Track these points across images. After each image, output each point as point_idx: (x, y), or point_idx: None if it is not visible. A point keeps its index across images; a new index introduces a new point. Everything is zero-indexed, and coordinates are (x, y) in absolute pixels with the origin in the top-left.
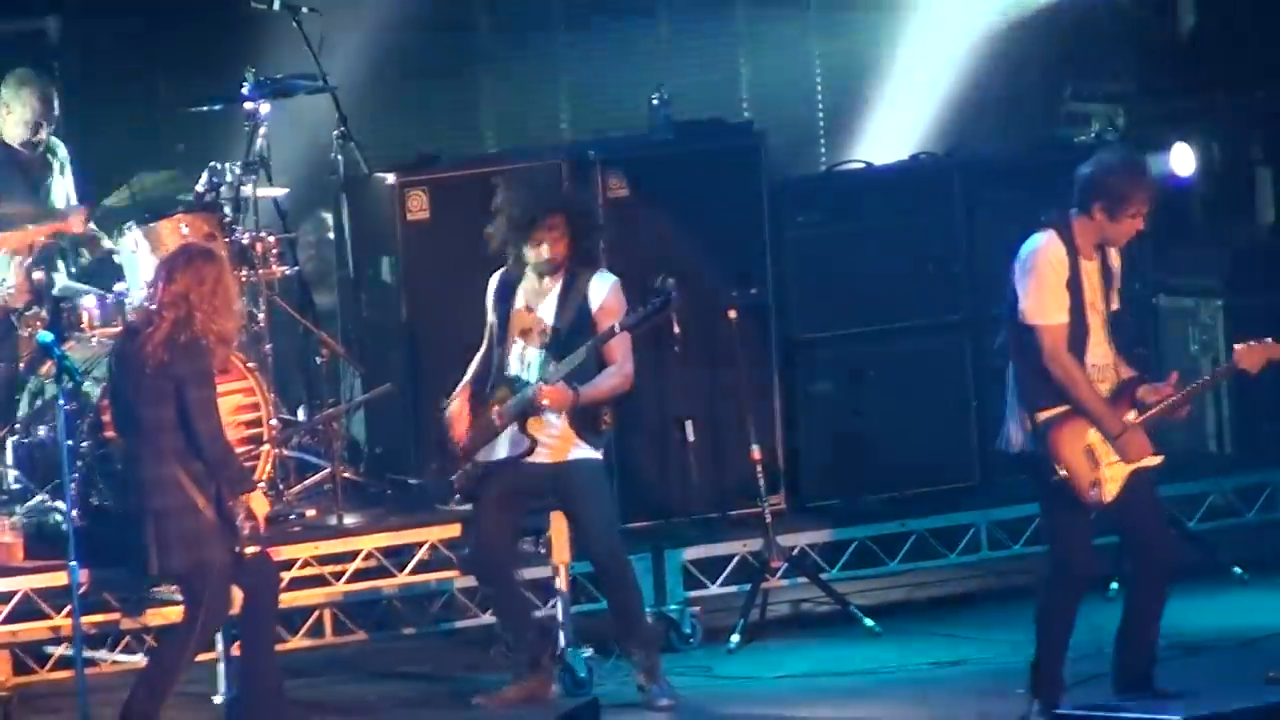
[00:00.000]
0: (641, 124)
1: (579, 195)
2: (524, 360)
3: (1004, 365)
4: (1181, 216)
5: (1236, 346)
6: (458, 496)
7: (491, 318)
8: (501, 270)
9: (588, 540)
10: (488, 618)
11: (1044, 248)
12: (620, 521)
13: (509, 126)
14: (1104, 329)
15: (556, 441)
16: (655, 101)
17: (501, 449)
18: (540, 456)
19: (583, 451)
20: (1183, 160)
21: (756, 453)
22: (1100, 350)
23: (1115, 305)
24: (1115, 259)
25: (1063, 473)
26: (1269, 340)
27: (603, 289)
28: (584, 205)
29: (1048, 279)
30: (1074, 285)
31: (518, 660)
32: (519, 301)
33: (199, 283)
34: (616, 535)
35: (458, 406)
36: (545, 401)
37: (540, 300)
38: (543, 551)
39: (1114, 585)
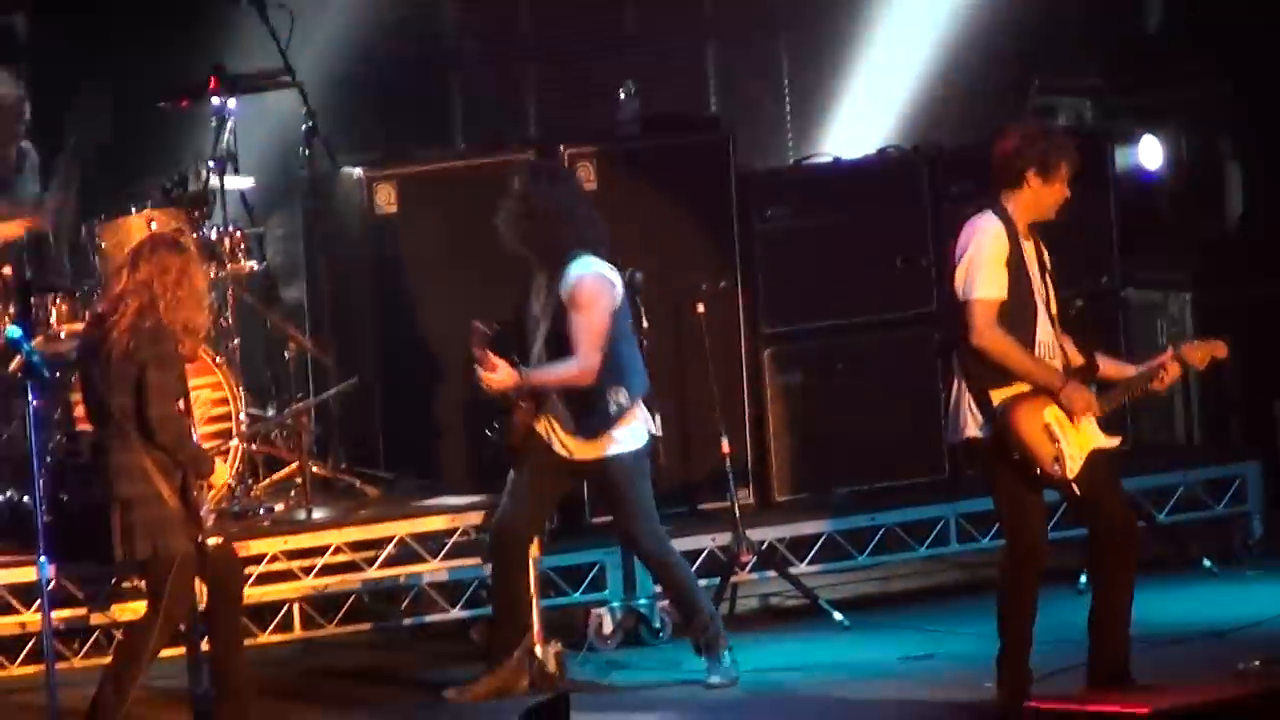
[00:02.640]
0: (610, 117)
1: (537, 185)
2: (535, 351)
3: (944, 360)
4: (1150, 210)
5: (1184, 345)
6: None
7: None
8: None
9: (629, 540)
10: (457, 612)
11: (984, 225)
12: (589, 516)
13: (477, 121)
14: (1048, 310)
15: (573, 438)
16: (623, 95)
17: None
18: (571, 452)
19: (603, 446)
20: (1151, 153)
21: (726, 446)
22: (1046, 329)
23: (1054, 299)
24: (1046, 254)
25: (1021, 453)
26: (1214, 340)
27: (573, 277)
28: (538, 193)
29: (987, 253)
30: (1017, 262)
31: (496, 644)
32: (531, 294)
33: (163, 272)
34: (655, 528)
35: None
36: (484, 383)
37: (539, 294)
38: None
39: (1083, 579)
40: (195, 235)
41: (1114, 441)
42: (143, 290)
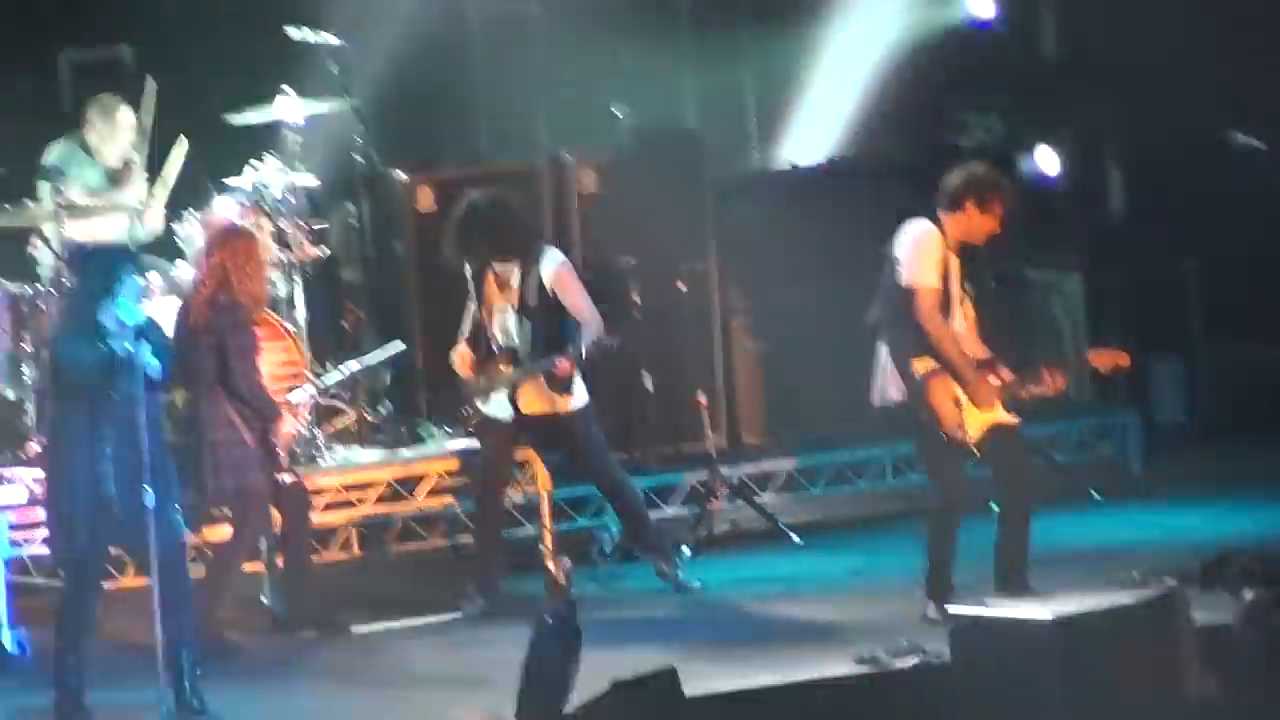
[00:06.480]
0: (608, 132)
1: (498, 218)
2: (507, 331)
3: (875, 335)
4: (1047, 206)
5: (1091, 351)
6: (466, 430)
7: (471, 284)
8: None
9: (591, 474)
10: None
11: (925, 229)
12: None
13: (499, 133)
14: (962, 308)
15: (547, 399)
16: (619, 114)
17: (495, 409)
18: (534, 407)
19: (567, 400)
20: (1047, 160)
21: (702, 399)
22: (960, 322)
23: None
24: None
25: (931, 417)
26: (1119, 350)
27: (551, 265)
28: (504, 224)
29: (927, 250)
30: (944, 265)
31: (475, 576)
32: (491, 282)
33: (233, 254)
34: (613, 462)
35: (461, 353)
36: (560, 372)
37: (509, 276)
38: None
39: (994, 505)
40: (269, 227)
41: (1011, 419)
42: (216, 272)
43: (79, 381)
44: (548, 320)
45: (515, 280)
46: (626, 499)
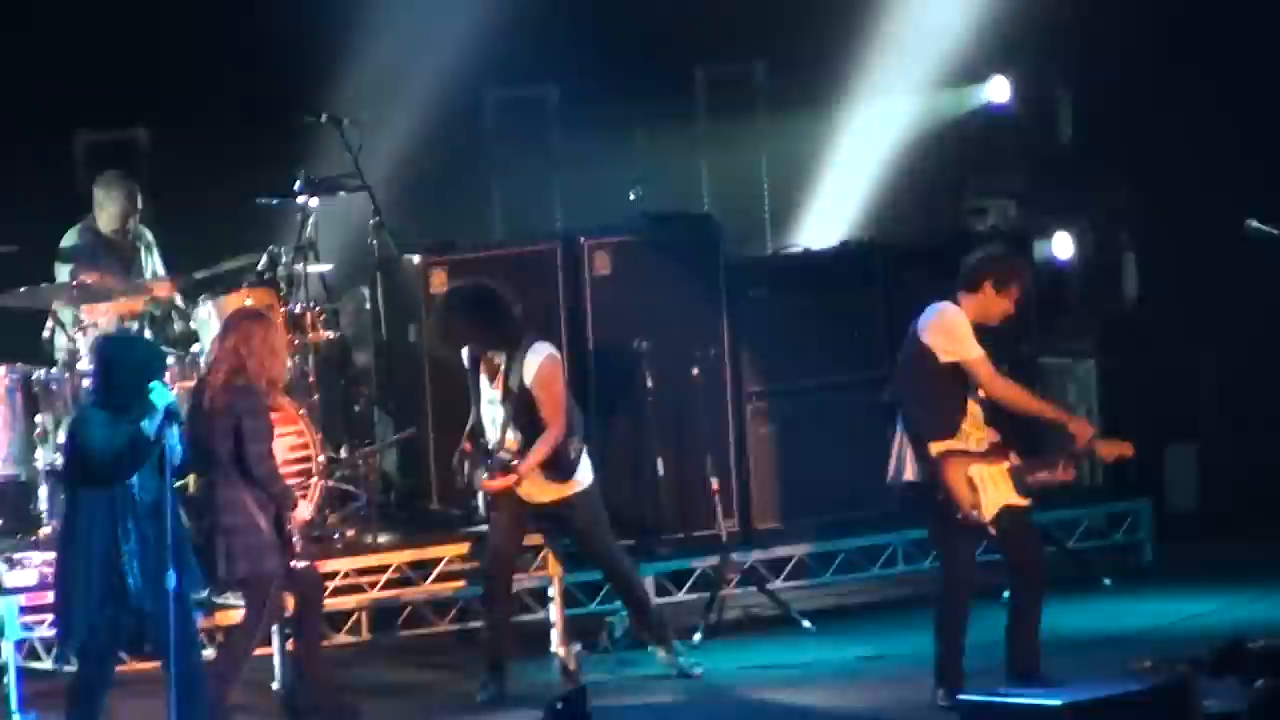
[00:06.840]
0: (622, 215)
1: (479, 309)
2: (494, 422)
3: (891, 416)
4: (1063, 291)
5: (1098, 441)
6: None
7: (469, 379)
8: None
9: (593, 559)
10: None
11: (950, 308)
12: None
13: (513, 216)
14: (977, 393)
15: (546, 485)
16: (633, 196)
17: (480, 502)
18: (538, 496)
19: (570, 488)
20: (1062, 245)
21: (715, 484)
22: (976, 405)
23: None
24: None
25: (946, 497)
26: (1124, 441)
27: (533, 364)
28: (485, 316)
29: (962, 326)
30: None
31: (486, 661)
32: (483, 371)
33: (248, 338)
34: (616, 548)
35: (464, 443)
36: (490, 490)
37: (496, 372)
38: None
39: (1006, 593)
40: (283, 310)
41: (1025, 501)
42: (232, 355)
43: (105, 466)
44: (519, 415)
45: (501, 372)
46: (628, 585)
